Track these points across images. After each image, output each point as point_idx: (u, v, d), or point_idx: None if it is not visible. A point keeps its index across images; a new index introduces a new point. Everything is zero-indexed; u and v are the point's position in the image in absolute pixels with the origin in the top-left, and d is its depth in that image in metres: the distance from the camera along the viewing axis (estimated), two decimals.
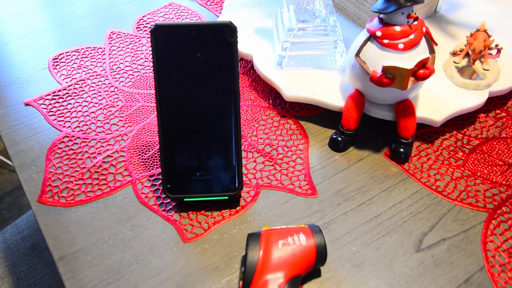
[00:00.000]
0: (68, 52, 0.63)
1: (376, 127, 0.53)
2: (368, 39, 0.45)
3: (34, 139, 0.52)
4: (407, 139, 0.48)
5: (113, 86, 0.58)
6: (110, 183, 0.47)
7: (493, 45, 0.54)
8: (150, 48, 0.57)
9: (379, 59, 0.44)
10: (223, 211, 0.45)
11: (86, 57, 0.62)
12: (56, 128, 0.53)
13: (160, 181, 0.47)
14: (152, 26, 0.40)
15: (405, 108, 0.47)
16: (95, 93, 0.57)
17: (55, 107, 0.55)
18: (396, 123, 0.48)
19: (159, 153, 0.48)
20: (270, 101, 0.56)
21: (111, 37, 0.66)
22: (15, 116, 0.55)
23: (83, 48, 0.64)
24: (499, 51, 0.54)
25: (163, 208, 0.45)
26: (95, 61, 0.62)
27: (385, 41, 0.44)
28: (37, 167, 0.49)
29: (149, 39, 0.65)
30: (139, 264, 0.41)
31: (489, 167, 0.49)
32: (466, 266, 0.41)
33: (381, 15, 0.45)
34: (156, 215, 0.45)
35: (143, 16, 0.69)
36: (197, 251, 0.42)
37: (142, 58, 0.62)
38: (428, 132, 0.52)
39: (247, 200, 0.46)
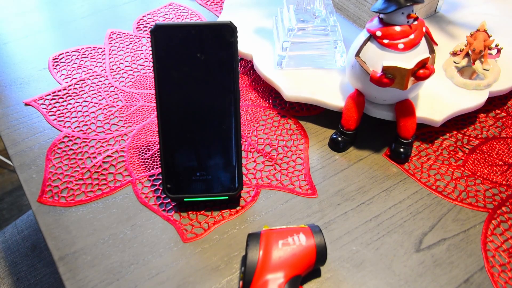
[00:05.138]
0: (68, 52, 0.63)
1: (376, 127, 0.53)
2: (368, 39, 0.45)
3: (34, 139, 0.52)
4: (407, 139, 0.48)
5: (113, 86, 0.58)
6: (110, 183, 0.47)
7: (493, 45, 0.54)
8: (150, 48, 0.57)
9: (379, 59, 0.44)
10: (223, 211, 0.45)
11: (86, 57, 0.62)
12: (56, 128, 0.53)
13: (160, 181, 0.47)
14: (152, 26, 0.40)
15: (405, 108, 0.47)
16: (95, 93, 0.57)
17: (55, 107, 0.55)
18: (396, 123, 0.48)
19: (159, 153, 0.48)
20: (270, 101, 0.56)
21: (111, 37, 0.66)
22: (15, 116, 0.55)
23: (83, 48, 0.64)
24: (499, 51, 0.54)
25: (163, 208, 0.45)
26: (95, 61, 0.62)
27: (385, 41, 0.44)
28: (37, 167, 0.49)
29: (149, 39, 0.65)
30: (139, 264, 0.41)
31: (489, 167, 0.49)
32: (466, 266, 0.41)
33: (381, 15, 0.45)
34: (156, 215, 0.45)
35: (143, 16, 0.69)
36: (197, 251, 0.42)
37: (142, 58, 0.62)
38: (428, 132, 0.52)
39: (247, 200, 0.46)
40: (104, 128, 0.53)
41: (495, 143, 0.51)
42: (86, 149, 0.50)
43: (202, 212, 0.45)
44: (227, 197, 0.44)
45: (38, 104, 0.56)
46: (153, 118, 0.54)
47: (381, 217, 0.45)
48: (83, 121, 0.54)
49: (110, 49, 0.64)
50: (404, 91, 0.46)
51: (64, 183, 0.47)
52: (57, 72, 0.60)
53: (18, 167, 0.49)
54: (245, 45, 0.58)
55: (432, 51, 0.46)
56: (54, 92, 0.57)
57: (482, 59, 0.54)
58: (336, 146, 0.50)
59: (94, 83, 0.58)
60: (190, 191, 0.43)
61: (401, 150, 0.48)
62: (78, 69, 0.60)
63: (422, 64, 0.43)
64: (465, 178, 0.48)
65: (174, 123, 0.42)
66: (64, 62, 0.62)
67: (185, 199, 0.44)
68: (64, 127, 0.53)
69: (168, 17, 0.69)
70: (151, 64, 0.52)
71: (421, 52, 0.44)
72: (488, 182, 0.47)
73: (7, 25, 0.69)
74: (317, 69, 0.55)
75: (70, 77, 0.59)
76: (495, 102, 0.56)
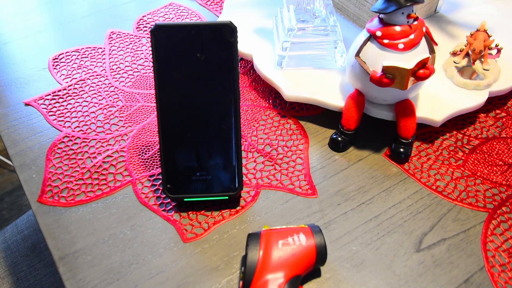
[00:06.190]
0: (68, 52, 0.63)
1: (376, 127, 0.53)
2: (368, 39, 0.45)
3: (34, 139, 0.52)
4: (407, 139, 0.48)
5: (113, 86, 0.58)
6: (110, 183, 0.47)
7: (493, 45, 0.54)
8: (150, 48, 0.57)
9: (379, 59, 0.44)
10: (223, 211, 0.45)
11: (86, 57, 0.62)
12: (56, 128, 0.53)
13: (160, 181, 0.47)
14: (152, 26, 0.40)
15: (405, 108, 0.47)
16: (95, 93, 0.57)
17: (55, 107, 0.55)
18: (396, 123, 0.48)
19: (159, 153, 0.48)
20: (270, 101, 0.56)
21: (111, 37, 0.66)
22: (15, 116, 0.55)
23: (83, 48, 0.64)
24: (499, 51, 0.54)
25: (163, 208, 0.45)
26: (95, 61, 0.62)
27: (385, 41, 0.44)
28: (37, 167, 0.49)
29: (149, 39, 0.65)
30: (139, 264, 0.41)
31: (489, 167, 0.49)
32: (466, 266, 0.41)
33: (381, 15, 0.45)
34: (156, 215, 0.45)
35: (143, 16, 0.69)
36: (197, 251, 0.42)
37: (142, 58, 0.62)
38: (428, 132, 0.52)
39: (247, 200, 0.46)
40: (104, 128, 0.53)
41: (495, 143, 0.51)
42: (86, 149, 0.50)
43: (202, 212, 0.45)
44: (227, 197, 0.44)
45: (38, 104, 0.56)
46: (153, 118, 0.54)
47: (381, 217, 0.45)
48: (83, 121, 0.54)
49: (110, 49, 0.64)
50: (404, 91, 0.46)
51: (64, 183, 0.47)
52: (57, 72, 0.60)
53: (18, 167, 0.49)
54: (245, 45, 0.58)
55: (432, 51, 0.46)
56: (54, 92, 0.57)
57: (482, 59, 0.54)
58: (336, 146, 0.50)
59: (94, 83, 0.58)
60: (190, 191, 0.43)
61: (401, 150, 0.48)
62: (78, 69, 0.60)
63: (422, 64, 0.43)
64: (465, 178, 0.48)
65: (174, 123, 0.42)
66: (64, 62, 0.62)
67: (185, 199, 0.44)
68: (64, 127, 0.53)
69: (168, 17, 0.69)
70: (151, 64, 0.52)
71: (421, 52, 0.44)
72: (488, 182, 0.47)
73: (7, 25, 0.69)
74: (317, 69, 0.55)
75: (70, 77, 0.59)
76: (495, 102, 0.56)
